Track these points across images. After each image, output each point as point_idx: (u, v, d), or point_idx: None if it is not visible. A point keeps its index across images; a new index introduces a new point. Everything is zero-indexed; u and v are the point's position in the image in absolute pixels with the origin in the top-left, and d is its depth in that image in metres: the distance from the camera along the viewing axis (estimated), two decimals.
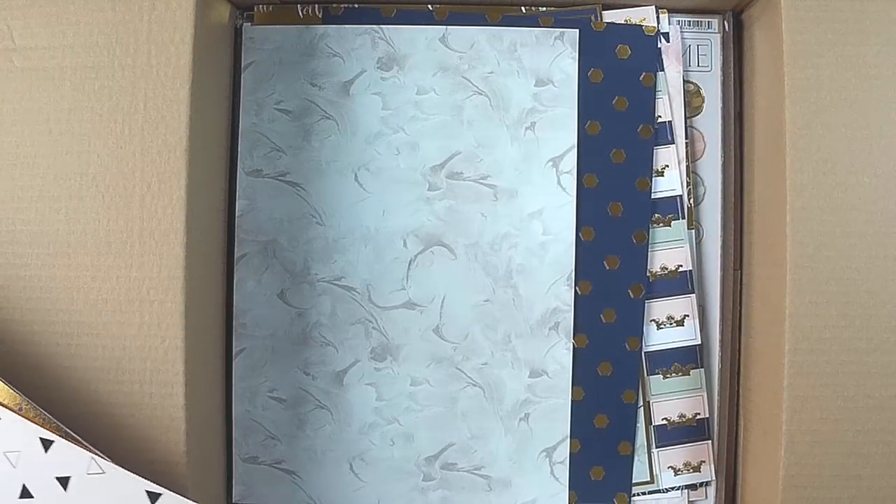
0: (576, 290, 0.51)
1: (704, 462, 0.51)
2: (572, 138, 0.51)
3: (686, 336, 0.51)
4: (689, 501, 0.52)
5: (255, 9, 0.52)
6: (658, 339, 0.51)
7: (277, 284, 0.51)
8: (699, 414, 0.51)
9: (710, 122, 0.52)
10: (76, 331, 0.43)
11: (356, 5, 0.52)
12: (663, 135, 0.51)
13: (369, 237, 0.51)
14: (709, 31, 0.52)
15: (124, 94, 0.43)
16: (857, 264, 0.43)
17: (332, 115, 0.52)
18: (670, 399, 0.51)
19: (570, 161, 0.51)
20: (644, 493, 0.51)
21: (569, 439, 0.51)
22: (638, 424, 0.51)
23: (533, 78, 0.51)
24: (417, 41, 0.52)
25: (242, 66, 0.52)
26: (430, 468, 0.51)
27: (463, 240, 0.51)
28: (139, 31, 0.43)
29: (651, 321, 0.51)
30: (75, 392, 0.43)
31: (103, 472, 0.38)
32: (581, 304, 0.51)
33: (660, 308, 0.51)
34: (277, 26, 0.52)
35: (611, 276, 0.51)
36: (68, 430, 0.39)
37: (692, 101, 0.52)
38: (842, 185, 0.43)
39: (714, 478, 0.51)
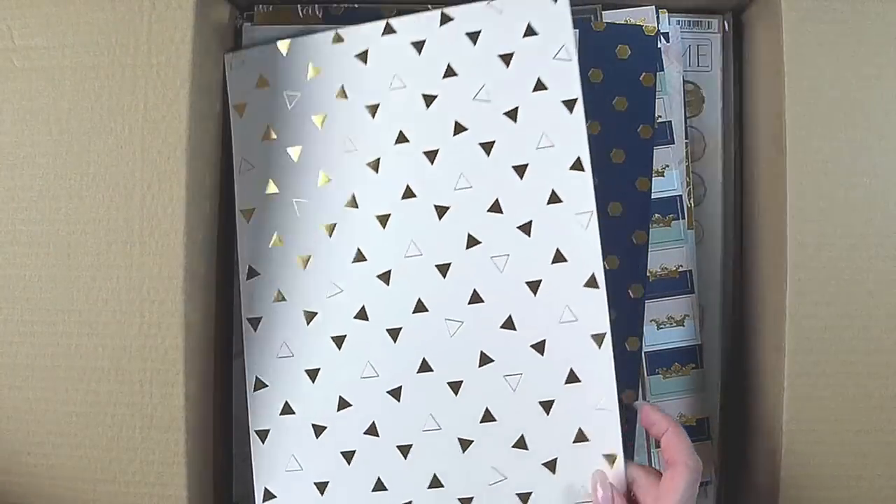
0: None
1: (704, 462, 0.51)
2: None
3: (686, 336, 0.51)
4: None
5: (255, 9, 0.52)
6: (658, 339, 0.51)
7: None
8: (699, 414, 0.51)
9: (710, 122, 0.52)
10: (76, 331, 0.43)
11: (356, 5, 0.52)
12: (663, 135, 0.51)
13: None
14: (709, 31, 0.52)
15: (124, 94, 0.43)
16: (857, 264, 0.43)
17: None
18: (670, 399, 0.51)
19: None
20: None
21: None
22: (638, 425, 0.51)
23: None
24: None
25: None
26: None
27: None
28: (139, 31, 0.43)
29: (651, 321, 0.51)
30: (75, 392, 0.43)
31: None
32: None
33: (660, 308, 0.51)
34: (277, 26, 0.52)
35: (611, 276, 0.51)
36: None
37: (692, 101, 0.52)
38: (842, 185, 0.44)
39: (714, 478, 0.51)
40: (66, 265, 0.43)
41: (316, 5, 0.52)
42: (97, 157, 0.43)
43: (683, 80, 0.52)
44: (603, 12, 0.52)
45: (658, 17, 0.52)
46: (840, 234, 0.43)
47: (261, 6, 0.52)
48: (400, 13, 0.51)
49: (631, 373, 0.51)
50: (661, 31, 0.52)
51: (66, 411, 0.43)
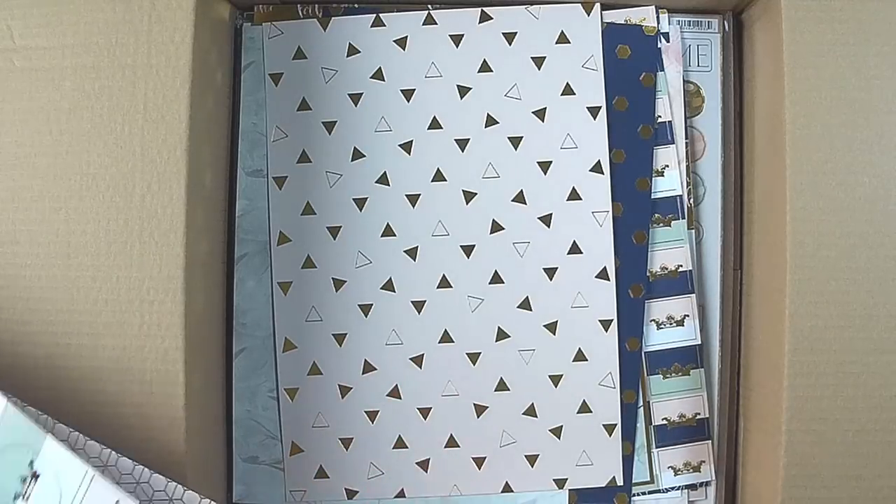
0: None
1: (704, 462, 0.51)
2: None
3: (686, 336, 0.51)
4: (689, 501, 0.52)
5: (255, 9, 0.52)
6: (658, 339, 0.51)
7: None
8: (699, 414, 0.51)
9: (710, 122, 0.52)
10: (76, 331, 0.43)
11: (356, 5, 0.52)
12: (663, 135, 0.51)
13: None
14: (709, 31, 0.52)
15: (124, 94, 0.43)
16: (857, 264, 0.43)
17: None
18: (670, 399, 0.51)
19: None
20: (644, 493, 0.51)
21: None
22: (638, 424, 0.51)
23: None
24: None
25: (242, 66, 0.52)
26: None
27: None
28: (139, 31, 0.43)
29: (651, 321, 0.51)
30: (75, 392, 0.43)
31: None
32: None
33: (660, 308, 0.51)
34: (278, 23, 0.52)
35: None
36: None
37: (692, 101, 0.52)
38: (842, 185, 0.43)
39: (714, 478, 0.51)
40: (66, 265, 0.43)
41: (316, 5, 0.52)
42: (97, 157, 0.43)
43: (683, 80, 0.52)
44: (603, 12, 0.52)
45: (658, 17, 0.52)
46: (840, 234, 0.43)
47: (261, 6, 0.52)
48: (399, 12, 0.52)
49: (631, 373, 0.51)
50: (661, 31, 0.52)
51: (65, 411, 0.43)
